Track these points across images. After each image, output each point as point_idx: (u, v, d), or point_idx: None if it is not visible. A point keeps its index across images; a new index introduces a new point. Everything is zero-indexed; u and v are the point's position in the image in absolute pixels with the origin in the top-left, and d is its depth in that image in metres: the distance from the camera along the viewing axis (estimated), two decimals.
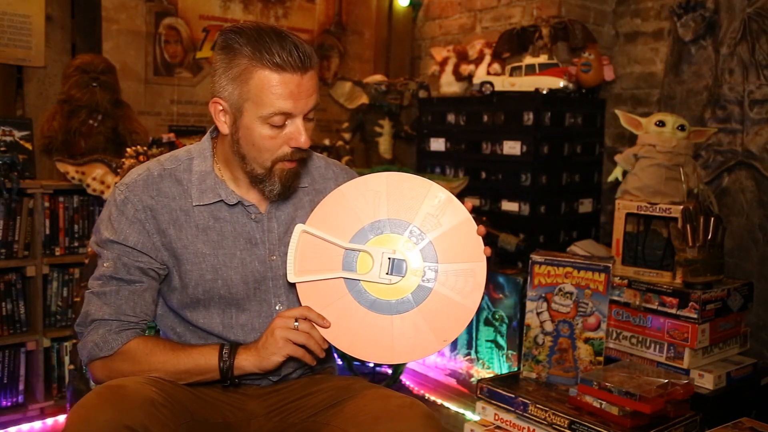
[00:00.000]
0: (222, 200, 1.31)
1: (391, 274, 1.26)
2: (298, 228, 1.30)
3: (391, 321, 1.25)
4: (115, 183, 1.35)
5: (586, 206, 2.92)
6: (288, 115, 1.24)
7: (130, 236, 1.27)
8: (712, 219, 2.04)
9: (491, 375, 2.44)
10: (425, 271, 1.26)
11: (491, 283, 2.59)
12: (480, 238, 1.27)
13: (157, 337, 1.36)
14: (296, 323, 1.24)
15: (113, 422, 1.04)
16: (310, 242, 1.29)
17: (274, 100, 1.21)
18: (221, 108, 1.27)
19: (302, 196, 1.41)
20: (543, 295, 2.04)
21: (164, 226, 1.29)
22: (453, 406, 2.59)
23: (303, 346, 1.25)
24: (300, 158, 1.31)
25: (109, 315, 1.25)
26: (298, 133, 1.25)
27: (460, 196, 2.97)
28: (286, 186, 1.31)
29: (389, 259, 1.26)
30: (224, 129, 1.29)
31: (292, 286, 1.32)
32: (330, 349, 1.50)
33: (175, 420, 1.14)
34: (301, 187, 1.40)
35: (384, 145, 3.31)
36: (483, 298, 2.61)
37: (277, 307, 1.35)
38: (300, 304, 1.30)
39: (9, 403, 2.45)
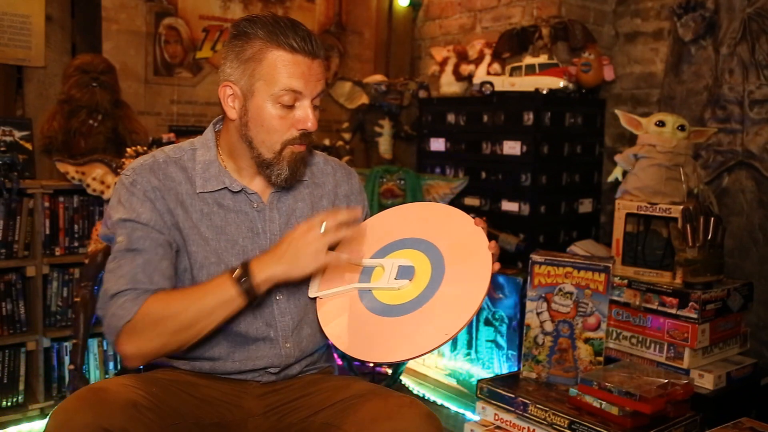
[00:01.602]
0: (226, 187, 1.33)
1: (398, 279, 1.28)
2: None
3: (397, 322, 1.25)
4: (115, 182, 1.36)
5: (586, 206, 2.92)
6: (298, 95, 1.27)
7: (142, 213, 1.27)
8: (712, 219, 2.04)
9: (491, 375, 2.44)
10: (432, 274, 1.27)
11: (491, 284, 2.59)
12: (485, 239, 1.27)
13: (168, 290, 1.28)
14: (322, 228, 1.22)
15: (92, 425, 1.04)
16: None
17: (285, 78, 1.25)
18: (231, 92, 1.30)
19: (302, 188, 1.43)
20: (543, 295, 2.04)
21: (172, 206, 1.30)
22: (453, 406, 2.59)
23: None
24: (308, 143, 1.34)
25: (125, 285, 1.23)
26: (306, 115, 1.28)
27: (460, 196, 2.98)
28: (294, 170, 1.33)
29: (399, 267, 1.29)
30: (232, 114, 1.31)
31: None
32: (330, 349, 1.50)
33: (160, 422, 1.13)
34: (301, 180, 1.42)
35: (384, 145, 3.31)
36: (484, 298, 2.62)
37: (276, 297, 1.35)
38: (300, 294, 1.35)
39: (9, 403, 2.45)
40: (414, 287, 1.27)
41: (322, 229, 1.23)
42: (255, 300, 1.24)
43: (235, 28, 1.29)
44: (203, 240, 1.31)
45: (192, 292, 1.25)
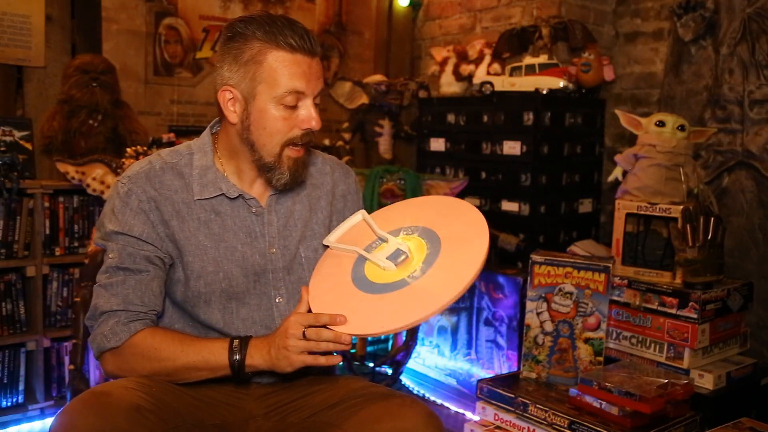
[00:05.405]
0: (223, 194, 1.32)
1: (389, 259, 1.26)
2: (359, 214, 1.38)
3: (360, 296, 1.23)
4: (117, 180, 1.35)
5: (586, 206, 2.92)
6: (301, 95, 1.26)
7: (134, 227, 1.28)
8: (712, 219, 2.04)
9: (491, 375, 2.44)
10: (417, 269, 1.23)
11: (491, 283, 2.60)
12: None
13: (166, 329, 1.32)
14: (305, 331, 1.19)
15: (95, 429, 1.04)
16: (356, 226, 1.39)
17: (287, 80, 1.24)
18: (231, 96, 1.29)
19: (300, 190, 1.42)
20: (543, 295, 2.04)
21: (167, 217, 1.30)
22: (453, 406, 2.59)
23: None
24: (308, 143, 1.33)
25: (117, 305, 1.25)
26: (309, 115, 1.28)
27: (460, 196, 2.98)
28: (295, 175, 1.33)
29: (397, 248, 1.27)
30: (233, 118, 1.30)
31: (291, 278, 1.36)
32: None
33: (163, 425, 1.14)
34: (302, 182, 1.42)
35: (384, 145, 3.31)
36: (483, 299, 2.62)
37: (276, 300, 1.36)
38: (298, 294, 1.32)
39: (9, 403, 2.45)
40: (395, 273, 1.23)
41: (303, 334, 1.19)
42: (239, 378, 1.26)
43: (230, 30, 1.27)
44: (201, 249, 1.31)
45: (185, 347, 1.24)
